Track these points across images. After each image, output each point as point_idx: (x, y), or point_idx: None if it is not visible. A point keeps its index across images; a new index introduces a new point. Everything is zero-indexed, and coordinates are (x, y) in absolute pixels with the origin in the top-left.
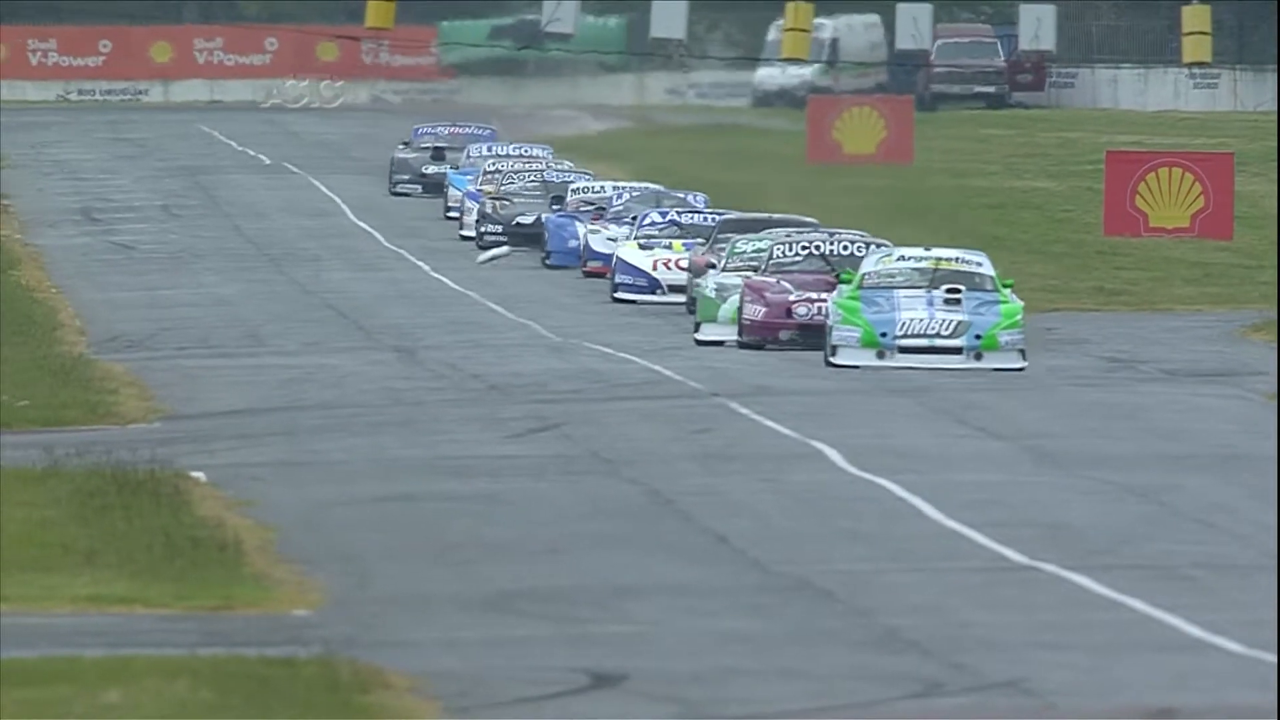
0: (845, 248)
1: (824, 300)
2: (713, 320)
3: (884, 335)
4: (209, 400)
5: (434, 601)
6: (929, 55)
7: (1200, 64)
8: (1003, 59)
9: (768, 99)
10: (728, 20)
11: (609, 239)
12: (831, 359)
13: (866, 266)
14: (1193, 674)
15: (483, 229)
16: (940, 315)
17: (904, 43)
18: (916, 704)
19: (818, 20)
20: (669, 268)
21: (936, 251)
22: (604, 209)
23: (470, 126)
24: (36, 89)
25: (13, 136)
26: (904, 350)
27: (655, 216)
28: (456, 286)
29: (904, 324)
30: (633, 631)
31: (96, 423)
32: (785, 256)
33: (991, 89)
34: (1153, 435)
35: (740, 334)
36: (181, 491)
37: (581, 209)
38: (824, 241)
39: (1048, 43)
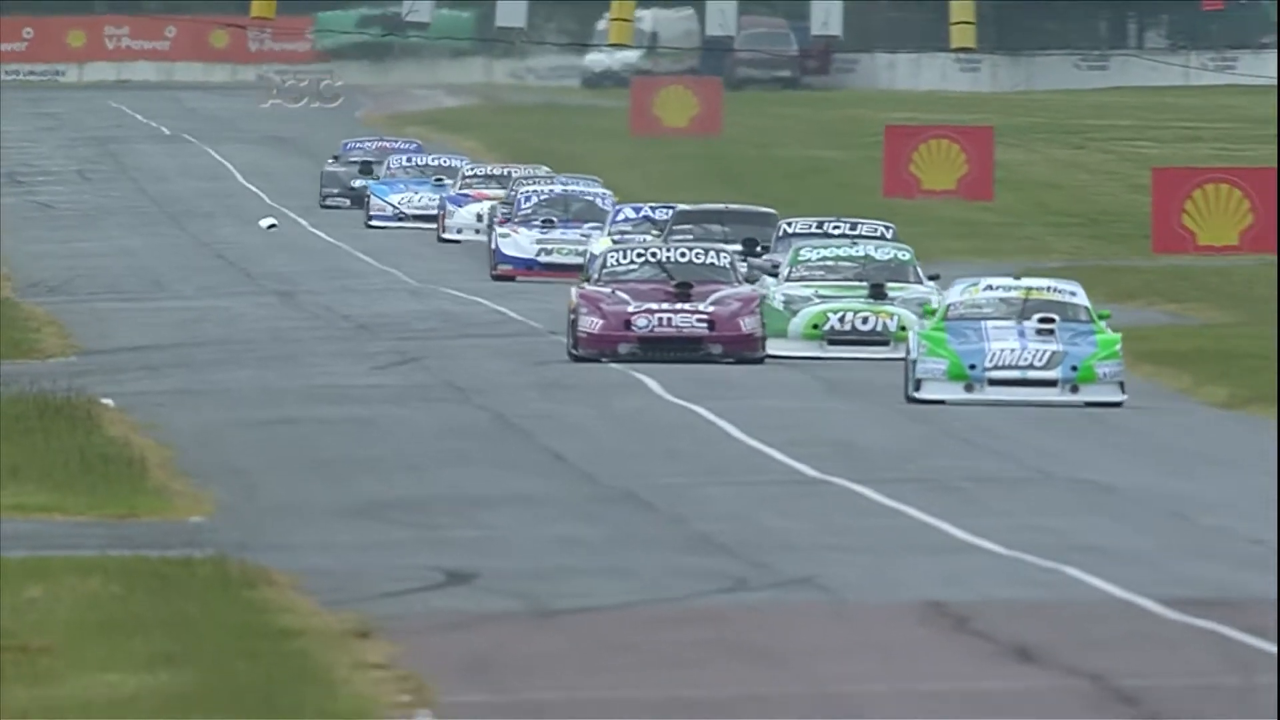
0: (683, 255)
1: (665, 311)
2: (783, 334)
3: (973, 367)
4: (117, 338)
5: (311, 510)
6: (734, 42)
7: (965, 50)
8: (795, 47)
9: (596, 80)
10: (562, 12)
11: (519, 243)
12: (915, 393)
13: (951, 297)
14: (960, 572)
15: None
16: (1034, 346)
17: (713, 31)
18: (725, 598)
19: (639, 12)
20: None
21: (1027, 281)
22: (510, 215)
23: (398, 141)
24: None
25: None
26: (994, 383)
27: (629, 212)
28: (330, 239)
29: (994, 355)
30: (482, 535)
31: (20, 357)
32: (620, 265)
33: (786, 73)
34: None
35: (575, 347)
36: (93, 416)
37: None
38: (659, 249)
39: (835, 30)
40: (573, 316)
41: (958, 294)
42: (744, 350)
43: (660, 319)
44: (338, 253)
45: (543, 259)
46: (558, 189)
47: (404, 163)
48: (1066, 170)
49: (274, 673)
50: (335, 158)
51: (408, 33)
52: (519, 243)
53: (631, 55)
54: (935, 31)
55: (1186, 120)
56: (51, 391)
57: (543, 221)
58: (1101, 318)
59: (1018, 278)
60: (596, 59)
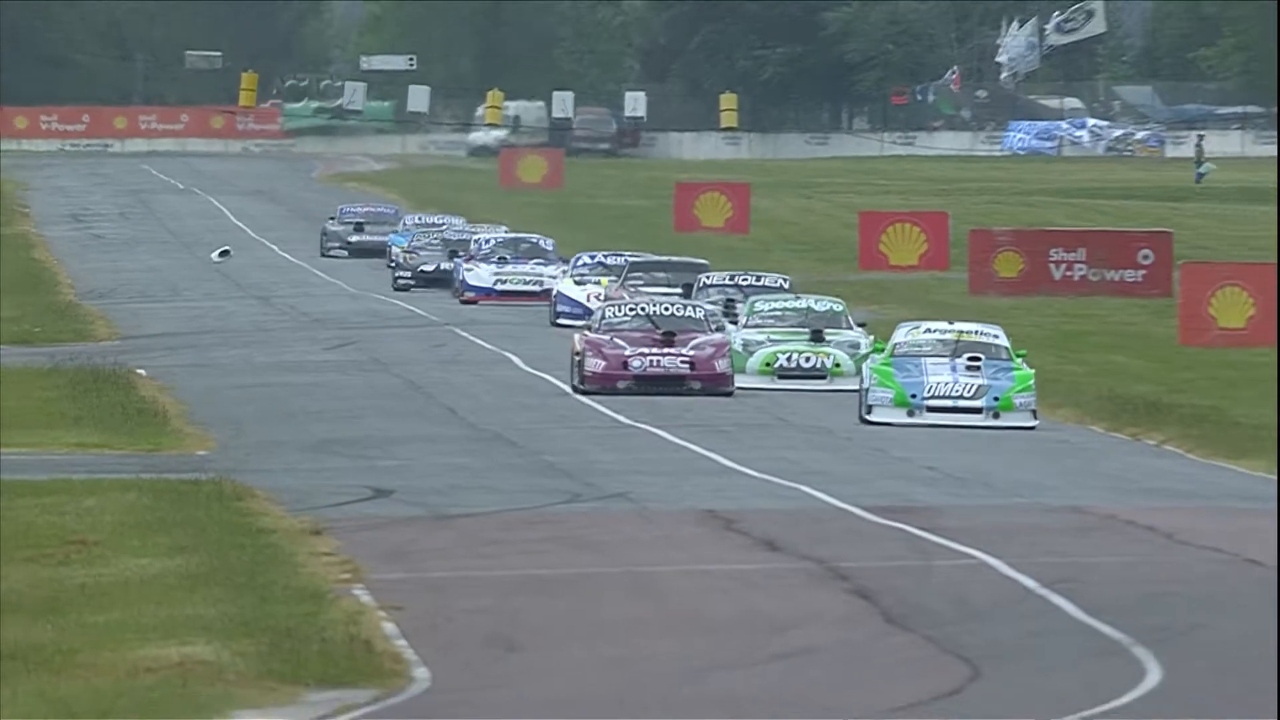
0: (666, 309)
1: (655, 354)
2: (742, 371)
3: (914, 396)
4: (148, 328)
5: (281, 446)
6: (572, 124)
7: (730, 129)
8: (614, 127)
9: (477, 150)
10: (454, 102)
11: (480, 275)
12: (867, 416)
13: (897, 337)
14: (727, 489)
15: (397, 275)
16: (963, 380)
17: (557, 115)
18: (564, 506)
19: (506, 103)
20: (598, 299)
21: (959, 325)
22: (473, 253)
23: (382, 205)
24: (46, 144)
25: (30, 173)
26: (931, 410)
27: (586, 259)
28: (298, 261)
29: (931, 387)
30: (398, 464)
31: (80, 341)
32: (615, 318)
33: (607, 145)
34: None
35: (582, 383)
36: (131, 382)
37: (477, 249)
38: (648, 305)
39: (641, 114)
40: (578, 358)
41: (903, 335)
42: (719, 386)
43: (651, 361)
44: (302, 270)
45: (499, 287)
46: (510, 235)
47: (417, 220)
48: (800, 214)
49: (255, 558)
50: (333, 218)
51: (346, 117)
52: (480, 275)
53: (501, 133)
54: (710, 117)
55: (881, 179)
56: (102, 365)
57: (498, 259)
58: (1019, 356)
59: (951, 323)
60: (477, 135)
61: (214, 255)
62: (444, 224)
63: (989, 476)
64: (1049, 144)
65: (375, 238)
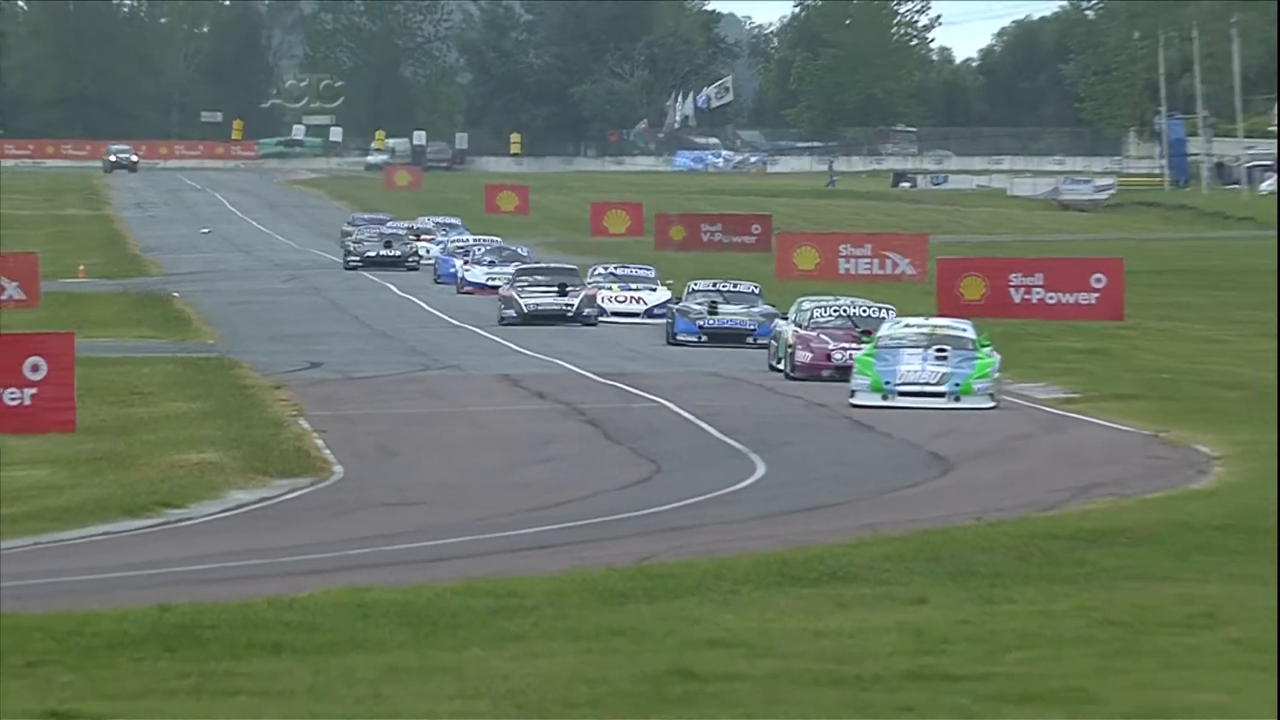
0: (864, 311)
1: (851, 349)
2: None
3: (888, 383)
4: (179, 268)
5: (255, 338)
6: (426, 150)
7: (516, 154)
8: (450, 153)
9: (371, 167)
10: (357, 138)
11: (476, 274)
12: (850, 400)
13: (882, 331)
14: (518, 363)
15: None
16: (931, 368)
17: (418, 144)
18: (424, 373)
19: (387, 139)
20: (614, 301)
21: (934, 321)
22: (469, 254)
23: (380, 214)
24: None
25: (109, 178)
26: (902, 394)
27: (601, 270)
28: (266, 230)
29: (902, 375)
30: (324, 348)
31: (140, 276)
32: (822, 317)
33: (446, 164)
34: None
35: (793, 370)
36: (170, 300)
37: (455, 253)
38: (849, 307)
39: (465, 146)
40: (790, 350)
41: (886, 329)
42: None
43: (849, 354)
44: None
45: (489, 283)
46: (496, 243)
47: (455, 236)
48: (557, 204)
49: (242, 402)
50: (352, 221)
51: (294, 147)
52: (476, 274)
53: (384, 156)
54: (504, 147)
55: (603, 184)
56: (152, 290)
57: (489, 262)
58: (984, 345)
59: (927, 318)
60: (370, 158)
61: (202, 230)
62: (384, 221)
63: (670, 356)
64: (699, 165)
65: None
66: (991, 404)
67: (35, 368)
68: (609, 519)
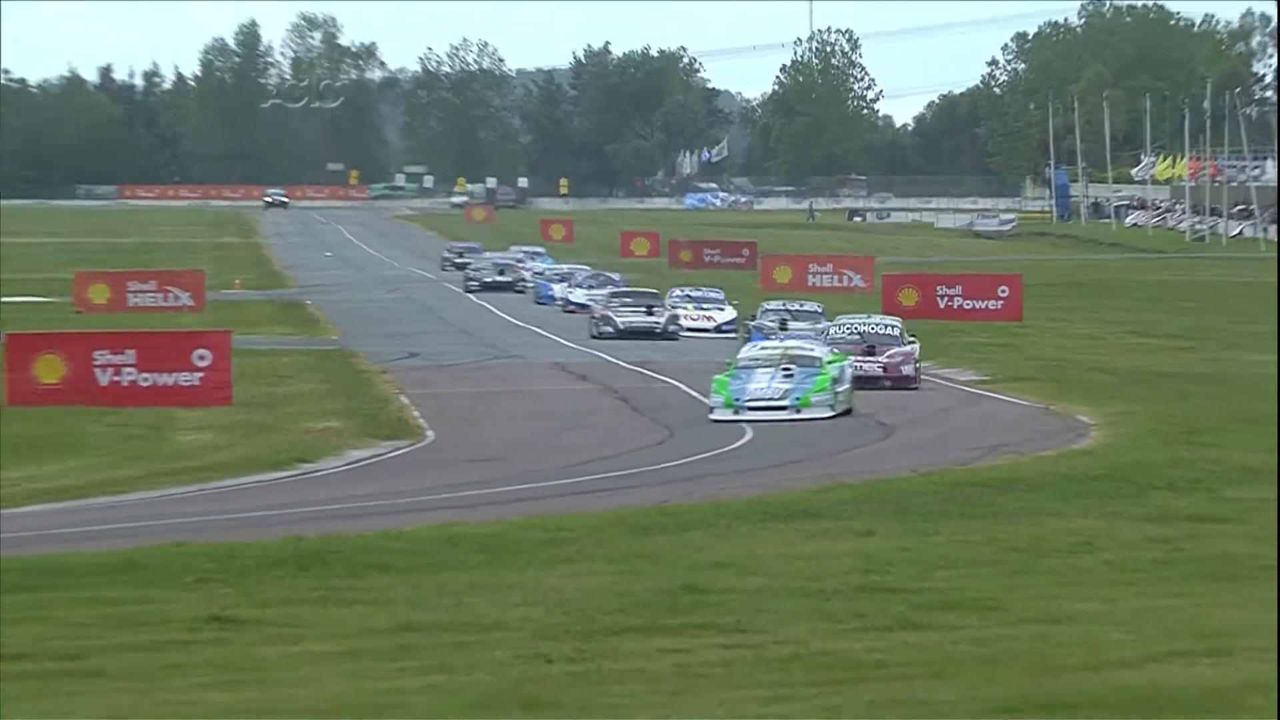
0: (874, 328)
1: (860, 361)
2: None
3: (738, 399)
4: (311, 281)
5: (370, 334)
6: (496, 193)
7: (564, 196)
8: (514, 195)
9: (455, 206)
10: (444, 183)
11: (578, 296)
12: (710, 416)
13: (741, 354)
14: (575, 356)
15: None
16: (776, 385)
17: (490, 188)
18: (493, 360)
19: (467, 185)
20: (689, 319)
21: (787, 343)
22: (569, 279)
23: (472, 243)
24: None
25: (256, 215)
26: (750, 409)
27: (678, 292)
28: (379, 255)
29: (750, 392)
30: (421, 343)
31: (281, 288)
32: (839, 334)
33: (511, 203)
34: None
35: None
36: (304, 306)
37: (553, 279)
38: (861, 324)
39: (526, 187)
40: None
41: (745, 351)
42: (905, 384)
43: (857, 365)
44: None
45: (589, 303)
46: (594, 272)
47: (545, 263)
48: (594, 234)
49: (357, 384)
50: (449, 249)
51: (397, 191)
52: (578, 295)
53: (464, 198)
54: (555, 190)
55: (631, 218)
56: (289, 299)
57: (588, 286)
58: (831, 363)
59: (781, 340)
60: (453, 199)
61: (325, 254)
62: (477, 249)
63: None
64: (703, 204)
65: (468, 259)
66: (830, 413)
67: (202, 357)
68: (634, 471)
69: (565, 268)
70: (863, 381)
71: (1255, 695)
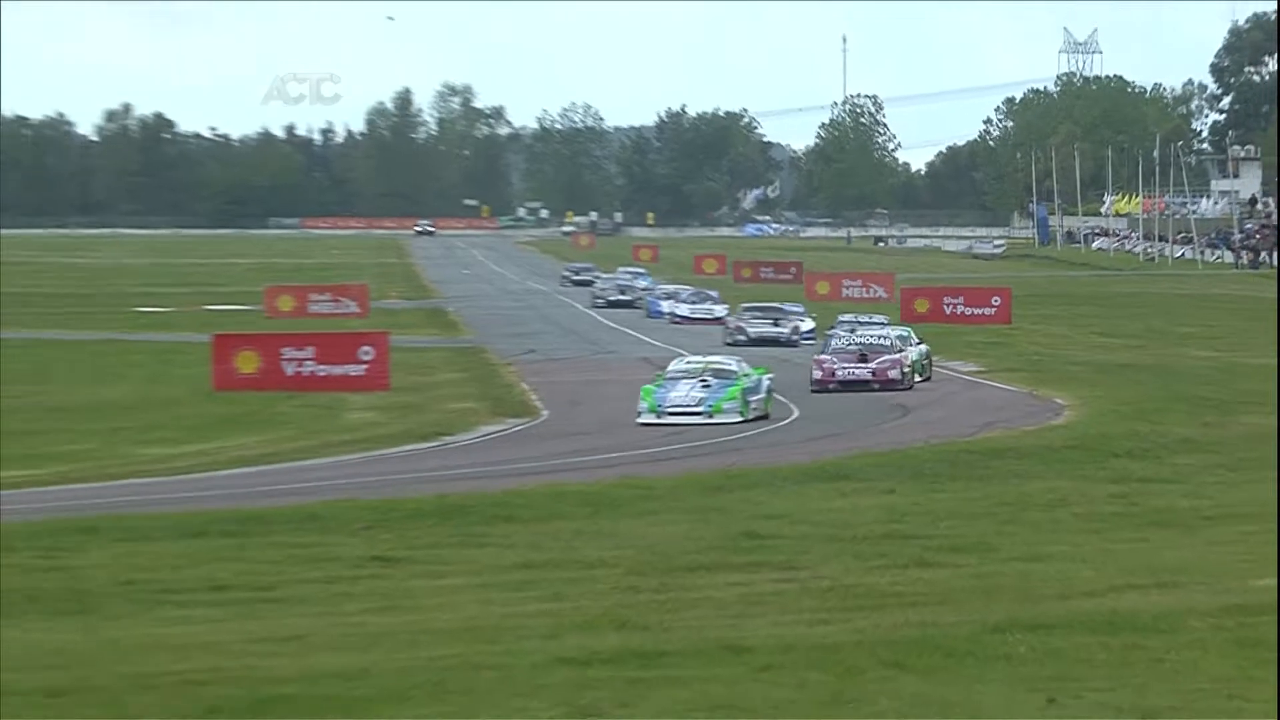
0: (871, 338)
1: (853, 367)
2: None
3: (660, 405)
4: (451, 293)
5: (500, 334)
6: (596, 224)
7: (651, 226)
8: (611, 224)
9: (564, 234)
10: (556, 216)
11: (682, 309)
12: (637, 420)
13: (670, 366)
14: (656, 350)
15: (595, 298)
16: (694, 394)
17: (593, 219)
18: (595, 357)
19: (575, 217)
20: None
21: (709, 358)
22: (674, 296)
23: (586, 264)
24: (405, 230)
25: (408, 241)
26: (670, 414)
27: (756, 310)
28: (504, 272)
29: (670, 400)
30: (540, 341)
31: (427, 298)
32: (838, 344)
33: (609, 231)
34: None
35: (812, 385)
36: (447, 314)
37: (661, 296)
38: (860, 337)
39: (620, 220)
40: (813, 368)
41: (673, 365)
42: (892, 386)
43: (850, 371)
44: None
45: (692, 315)
46: (694, 290)
47: (648, 283)
48: (676, 255)
49: (487, 373)
50: (567, 269)
51: (520, 222)
52: (683, 309)
53: (571, 227)
54: (644, 220)
55: (704, 244)
56: (432, 308)
57: (693, 302)
58: (750, 375)
59: (705, 357)
60: (564, 228)
61: (463, 271)
62: (591, 269)
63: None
64: (760, 232)
65: (587, 279)
66: (739, 418)
67: (366, 352)
68: (705, 442)
69: (671, 287)
70: (854, 385)
71: (1195, 619)
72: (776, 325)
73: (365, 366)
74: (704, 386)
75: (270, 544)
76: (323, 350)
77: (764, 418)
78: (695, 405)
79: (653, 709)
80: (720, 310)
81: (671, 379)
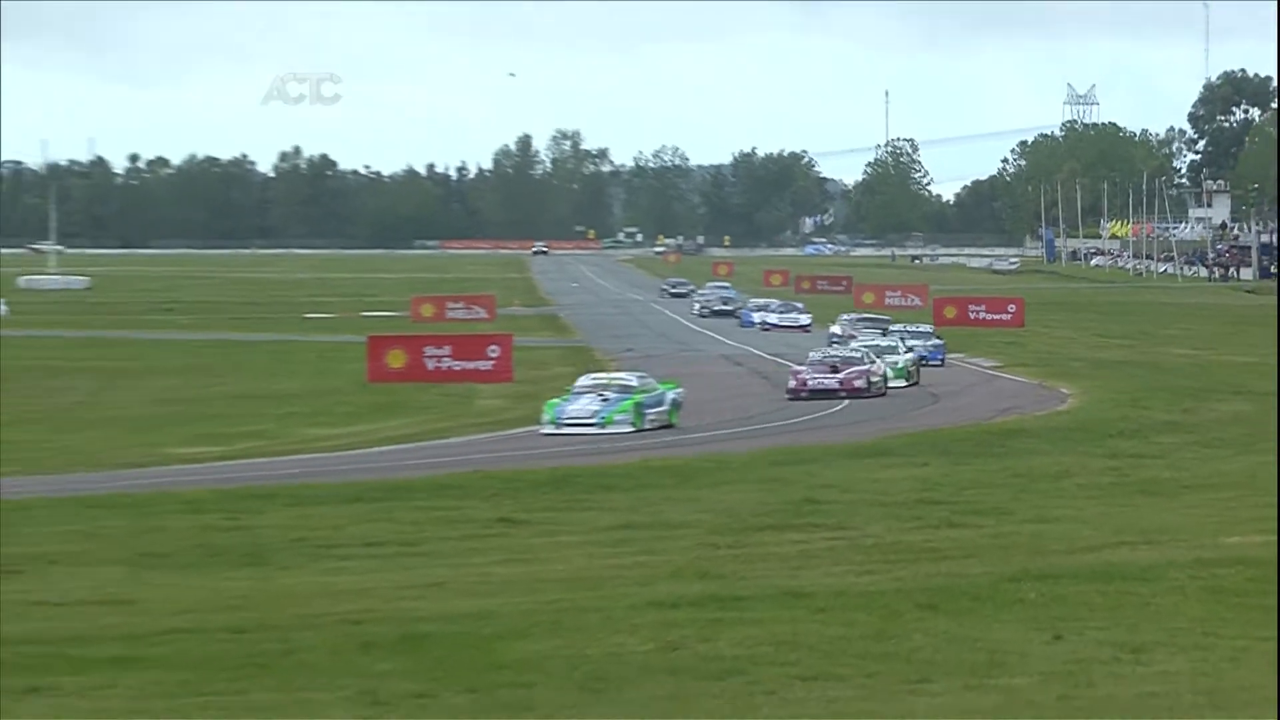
0: (848, 355)
1: (822, 377)
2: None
3: (559, 418)
4: (563, 300)
5: (601, 334)
6: (682, 245)
7: (727, 247)
8: (695, 245)
9: (657, 253)
10: (648, 238)
11: (772, 318)
12: (541, 431)
13: (578, 381)
14: (733, 352)
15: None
16: (590, 407)
17: (679, 242)
18: (680, 353)
19: (665, 240)
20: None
21: (612, 375)
22: (765, 307)
23: (682, 279)
24: (523, 251)
25: (527, 260)
26: (568, 425)
27: (843, 325)
28: (607, 285)
29: (569, 412)
30: (635, 340)
31: (543, 305)
32: (814, 358)
33: (694, 251)
34: None
35: (788, 392)
36: (558, 318)
37: (751, 308)
38: (835, 352)
39: (703, 241)
40: (790, 378)
41: (581, 380)
42: (858, 394)
43: (820, 381)
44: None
45: (780, 323)
46: (782, 302)
47: (739, 299)
48: (749, 271)
49: (593, 368)
50: (665, 283)
51: (620, 244)
52: (772, 319)
53: (662, 248)
54: (721, 242)
55: (770, 260)
56: (545, 314)
57: (781, 312)
58: (664, 387)
59: (606, 373)
60: (656, 248)
61: (571, 284)
62: (686, 284)
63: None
64: (817, 252)
65: (683, 291)
66: (631, 429)
67: (493, 350)
68: (770, 425)
69: (762, 300)
70: (823, 393)
71: (1175, 570)
72: (885, 335)
73: (493, 362)
74: (601, 400)
75: (414, 507)
76: (458, 349)
77: (668, 427)
78: (589, 417)
79: (728, 643)
80: (805, 319)
81: (576, 393)
